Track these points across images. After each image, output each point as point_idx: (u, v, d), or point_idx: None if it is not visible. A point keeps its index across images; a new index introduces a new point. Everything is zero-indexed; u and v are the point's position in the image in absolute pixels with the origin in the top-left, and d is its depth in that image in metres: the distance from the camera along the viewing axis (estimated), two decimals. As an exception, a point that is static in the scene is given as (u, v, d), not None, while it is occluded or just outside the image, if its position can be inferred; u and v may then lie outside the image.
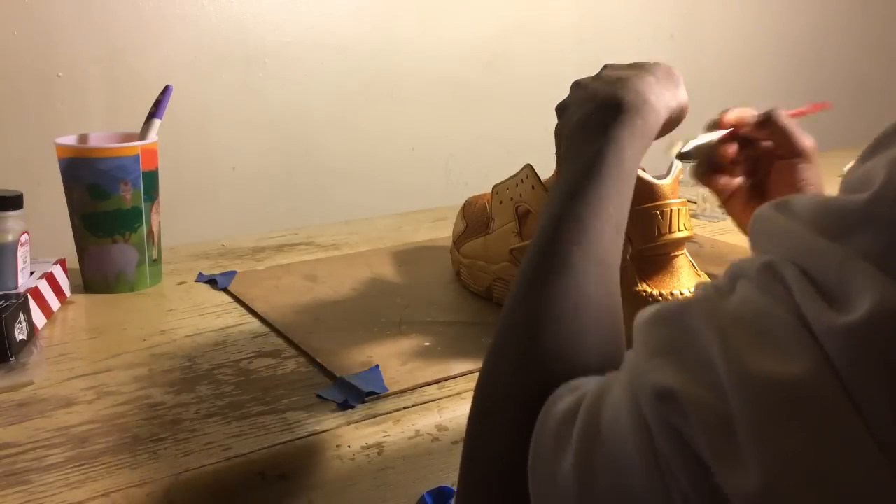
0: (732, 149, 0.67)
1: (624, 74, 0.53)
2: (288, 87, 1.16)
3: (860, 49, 1.86)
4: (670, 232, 0.62)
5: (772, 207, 0.33)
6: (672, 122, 0.54)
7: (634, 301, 0.62)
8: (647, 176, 0.62)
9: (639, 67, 0.54)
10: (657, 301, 0.62)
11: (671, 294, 0.63)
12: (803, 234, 0.30)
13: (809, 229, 0.30)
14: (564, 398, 0.36)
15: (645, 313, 0.33)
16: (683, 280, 0.63)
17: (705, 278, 0.66)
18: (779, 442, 0.26)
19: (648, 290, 0.63)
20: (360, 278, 0.84)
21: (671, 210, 0.62)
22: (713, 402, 0.28)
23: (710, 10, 1.59)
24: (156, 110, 0.82)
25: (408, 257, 0.91)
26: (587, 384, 0.36)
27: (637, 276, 0.63)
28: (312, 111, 1.19)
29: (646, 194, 0.62)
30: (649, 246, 0.62)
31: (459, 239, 0.83)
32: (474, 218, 0.83)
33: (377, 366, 0.62)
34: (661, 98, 0.52)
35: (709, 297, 0.32)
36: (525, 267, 0.44)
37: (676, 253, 0.64)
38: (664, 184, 0.63)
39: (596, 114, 0.50)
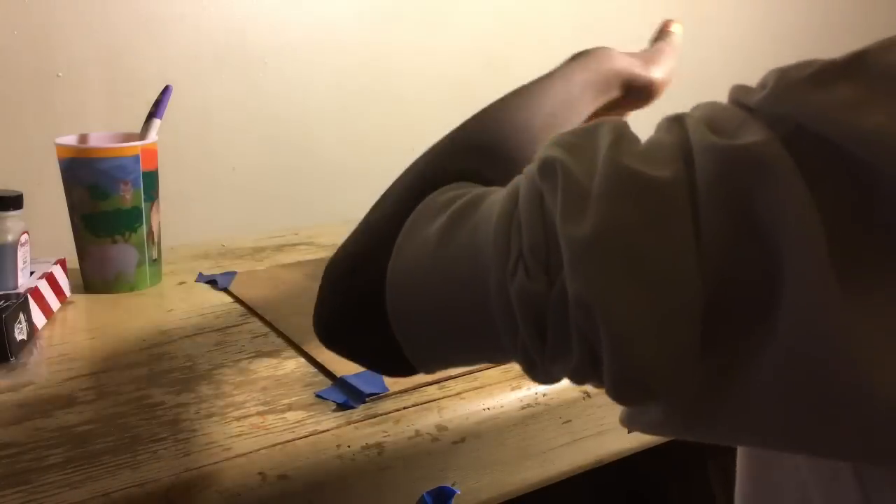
0: None
1: None
2: (288, 87, 1.16)
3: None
4: None
5: (666, 119, 0.34)
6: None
7: None
8: None
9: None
10: None
11: None
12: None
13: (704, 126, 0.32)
14: (449, 192, 0.39)
15: None
16: None
17: None
18: (618, 211, 0.29)
19: None
20: (360, 278, 0.84)
21: None
22: (582, 176, 0.31)
23: (710, 9, 1.59)
24: (156, 110, 0.82)
25: (408, 257, 0.91)
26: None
27: None
28: (312, 111, 1.19)
29: None
30: None
31: None
32: None
33: (377, 366, 0.62)
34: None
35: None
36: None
37: None
38: None
39: None
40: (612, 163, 0.30)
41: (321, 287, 0.41)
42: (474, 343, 0.36)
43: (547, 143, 0.34)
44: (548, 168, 0.32)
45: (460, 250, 0.35)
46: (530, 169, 0.34)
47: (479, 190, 0.38)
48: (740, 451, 0.42)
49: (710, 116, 0.31)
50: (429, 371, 0.40)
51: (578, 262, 0.30)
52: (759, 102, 0.29)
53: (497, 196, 0.35)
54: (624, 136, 0.32)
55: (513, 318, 0.32)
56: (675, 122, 0.31)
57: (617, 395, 0.31)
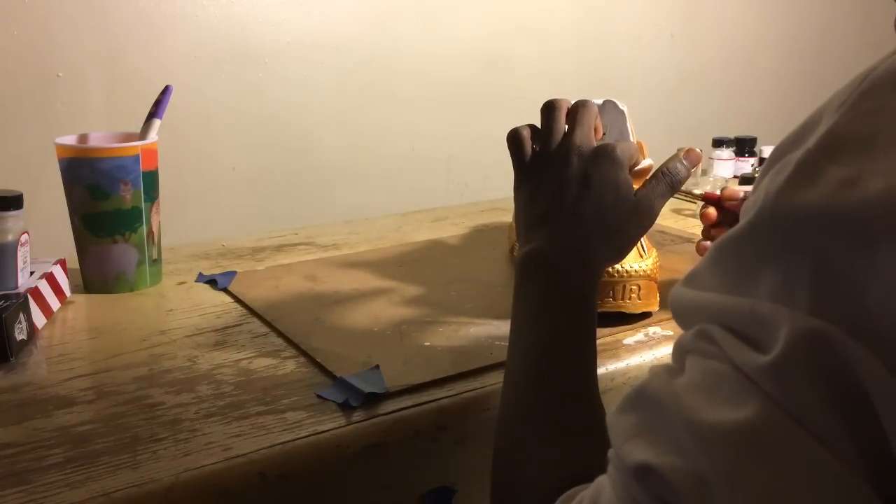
0: (712, 213, 0.76)
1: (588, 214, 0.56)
2: (288, 86, 1.16)
3: (860, 49, 1.86)
4: None
5: (680, 285, 0.35)
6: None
7: None
8: None
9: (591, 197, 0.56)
10: None
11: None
12: (712, 298, 0.32)
13: (717, 291, 0.32)
14: None
15: (611, 409, 0.35)
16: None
17: (649, 257, 0.70)
18: (749, 483, 0.28)
19: None
20: (360, 278, 0.84)
21: None
22: (684, 464, 0.29)
23: (710, 10, 1.59)
24: (156, 110, 0.82)
25: (408, 257, 0.92)
26: (584, 489, 0.36)
27: None
28: (312, 111, 1.19)
29: None
30: None
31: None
32: None
33: (377, 366, 0.62)
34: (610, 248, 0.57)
35: (660, 375, 0.34)
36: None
37: None
38: None
39: (561, 264, 0.54)
40: (696, 431, 0.30)
41: None
42: None
43: (619, 447, 0.33)
44: (646, 474, 0.31)
45: None
46: (624, 472, 0.32)
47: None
48: None
49: (722, 317, 0.31)
50: None
51: None
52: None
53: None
54: (669, 386, 0.32)
55: None
56: (704, 342, 0.31)
57: None
